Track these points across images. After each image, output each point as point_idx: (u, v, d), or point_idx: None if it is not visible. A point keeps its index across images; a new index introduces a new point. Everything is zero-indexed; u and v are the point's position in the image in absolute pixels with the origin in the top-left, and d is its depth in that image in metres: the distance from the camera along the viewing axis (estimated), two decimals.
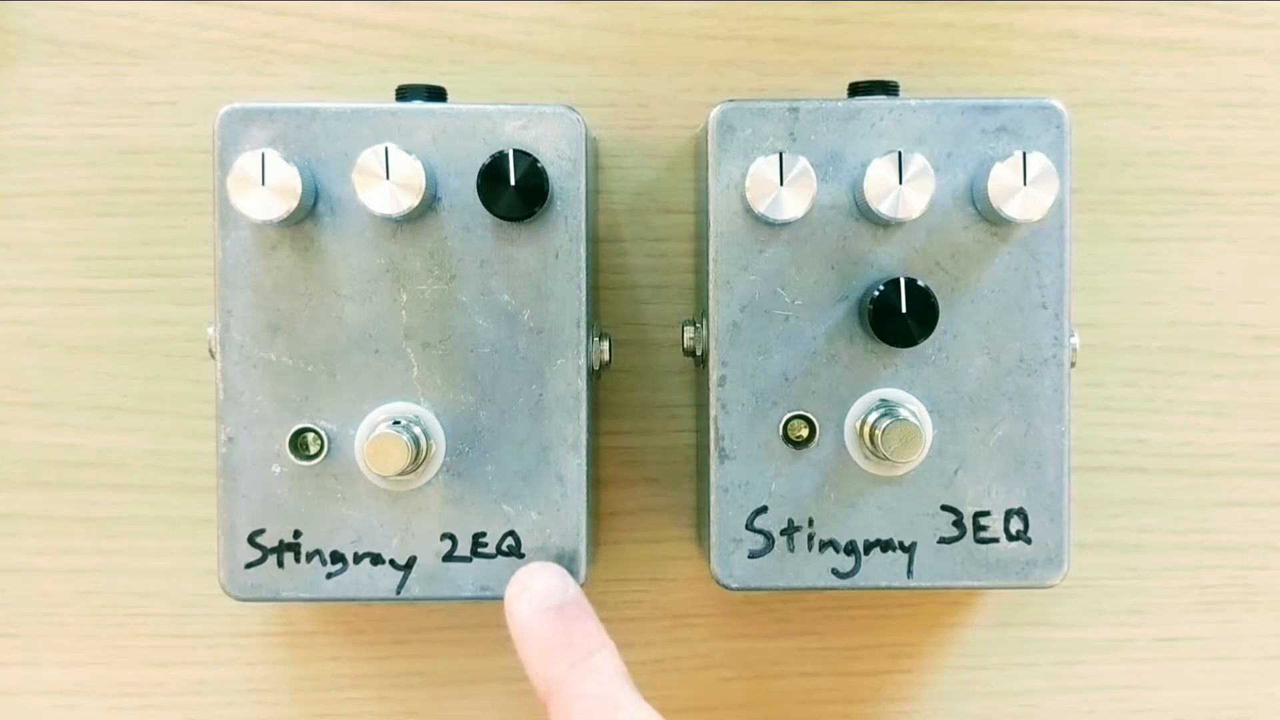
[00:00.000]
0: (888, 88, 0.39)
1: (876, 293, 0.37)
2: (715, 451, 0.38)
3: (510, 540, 0.38)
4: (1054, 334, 0.38)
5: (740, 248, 0.38)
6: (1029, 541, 0.38)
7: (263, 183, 0.36)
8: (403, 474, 0.37)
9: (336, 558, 0.38)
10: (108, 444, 0.44)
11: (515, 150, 0.37)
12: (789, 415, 0.38)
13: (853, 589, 0.38)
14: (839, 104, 0.38)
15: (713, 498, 0.38)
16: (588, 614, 0.35)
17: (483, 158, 0.37)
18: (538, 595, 0.36)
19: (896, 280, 0.37)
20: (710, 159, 0.38)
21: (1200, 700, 0.45)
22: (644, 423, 0.44)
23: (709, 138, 0.38)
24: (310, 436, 0.38)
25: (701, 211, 0.40)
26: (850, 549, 0.38)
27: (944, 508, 0.38)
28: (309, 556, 0.38)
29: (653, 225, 0.44)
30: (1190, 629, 0.45)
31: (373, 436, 0.36)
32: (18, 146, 0.43)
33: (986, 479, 0.38)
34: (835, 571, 0.38)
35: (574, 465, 0.38)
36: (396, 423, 0.37)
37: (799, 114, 0.38)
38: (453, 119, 0.38)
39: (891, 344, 0.37)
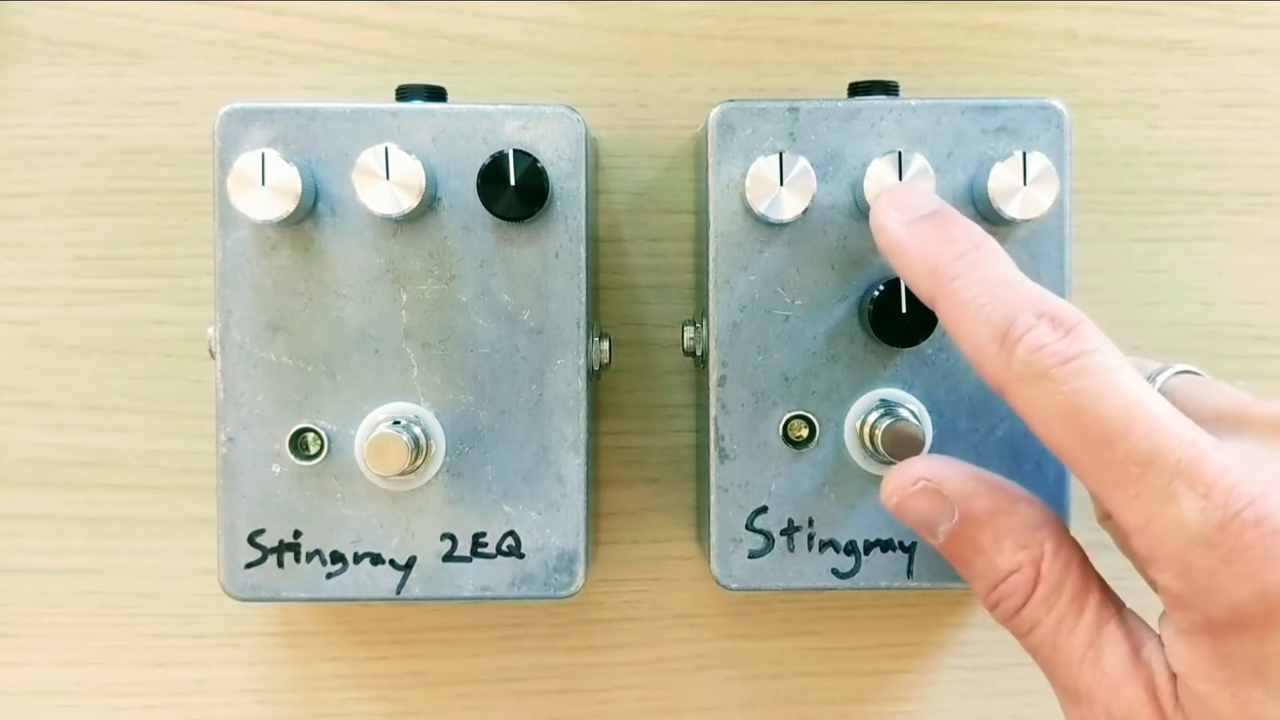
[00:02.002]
0: (888, 88, 0.39)
1: (876, 293, 0.37)
2: (715, 451, 0.38)
3: (510, 540, 0.38)
4: None
5: (740, 248, 0.38)
6: None
7: (263, 183, 0.36)
8: (403, 474, 0.37)
9: (336, 558, 0.38)
10: (108, 444, 0.44)
11: (515, 150, 0.37)
12: (789, 415, 0.38)
13: (853, 589, 0.38)
14: (839, 104, 0.38)
15: (713, 498, 0.38)
16: (961, 218, 0.34)
17: (483, 158, 0.37)
18: (907, 206, 0.34)
19: (896, 280, 0.37)
20: (710, 159, 0.38)
21: None
22: (644, 423, 0.44)
23: (709, 138, 0.38)
24: (310, 436, 0.38)
25: (701, 211, 0.40)
26: (850, 549, 0.38)
27: None
28: (309, 556, 0.38)
29: (653, 225, 0.44)
30: None
31: (373, 436, 0.36)
32: (18, 146, 0.43)
33: None
34: (835, 571, 0.38)
35: (574, 465, 0.38)
36: (396, 423, 0.37)
37: (799, 114, 0.38)
38: (453, 119, 0.38)
39: (891, 344, 0.37)
